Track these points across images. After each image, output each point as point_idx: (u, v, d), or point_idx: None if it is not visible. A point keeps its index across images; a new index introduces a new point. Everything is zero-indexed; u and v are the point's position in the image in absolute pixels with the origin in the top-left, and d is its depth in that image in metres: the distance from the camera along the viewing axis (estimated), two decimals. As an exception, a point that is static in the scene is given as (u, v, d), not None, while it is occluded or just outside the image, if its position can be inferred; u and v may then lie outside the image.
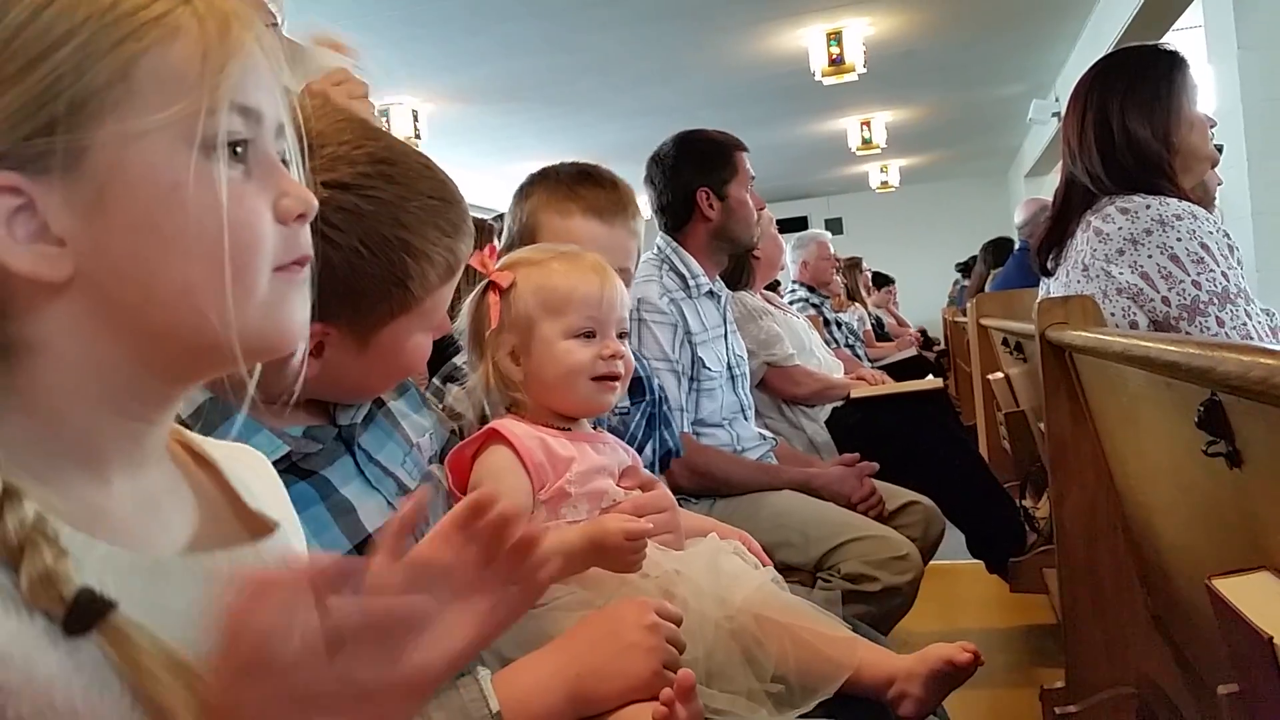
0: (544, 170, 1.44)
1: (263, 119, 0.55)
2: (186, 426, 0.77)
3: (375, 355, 0.90)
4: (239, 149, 0.53)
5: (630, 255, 1.45)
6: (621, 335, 1.13)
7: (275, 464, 0.84)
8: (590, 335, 1.09)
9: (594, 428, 1.15)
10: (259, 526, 0.61)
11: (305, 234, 0.57)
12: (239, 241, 0.53)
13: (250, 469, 0.65)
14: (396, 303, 0.88)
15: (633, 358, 1.14)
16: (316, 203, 0.57)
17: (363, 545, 0.90)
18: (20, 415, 0.51)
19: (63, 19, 0.49)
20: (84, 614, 0.46)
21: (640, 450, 1.52)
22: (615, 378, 1.10)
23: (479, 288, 1.12)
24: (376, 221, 0.86)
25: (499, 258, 1.36)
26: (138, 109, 0.50)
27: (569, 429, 1.10)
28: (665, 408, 1.59)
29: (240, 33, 0.54)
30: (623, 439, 1.49)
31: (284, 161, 0.57)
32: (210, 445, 0.63)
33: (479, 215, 1.95)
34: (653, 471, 1.55)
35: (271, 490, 0.66)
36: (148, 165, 0.51)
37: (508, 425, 1.05)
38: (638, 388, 1.52)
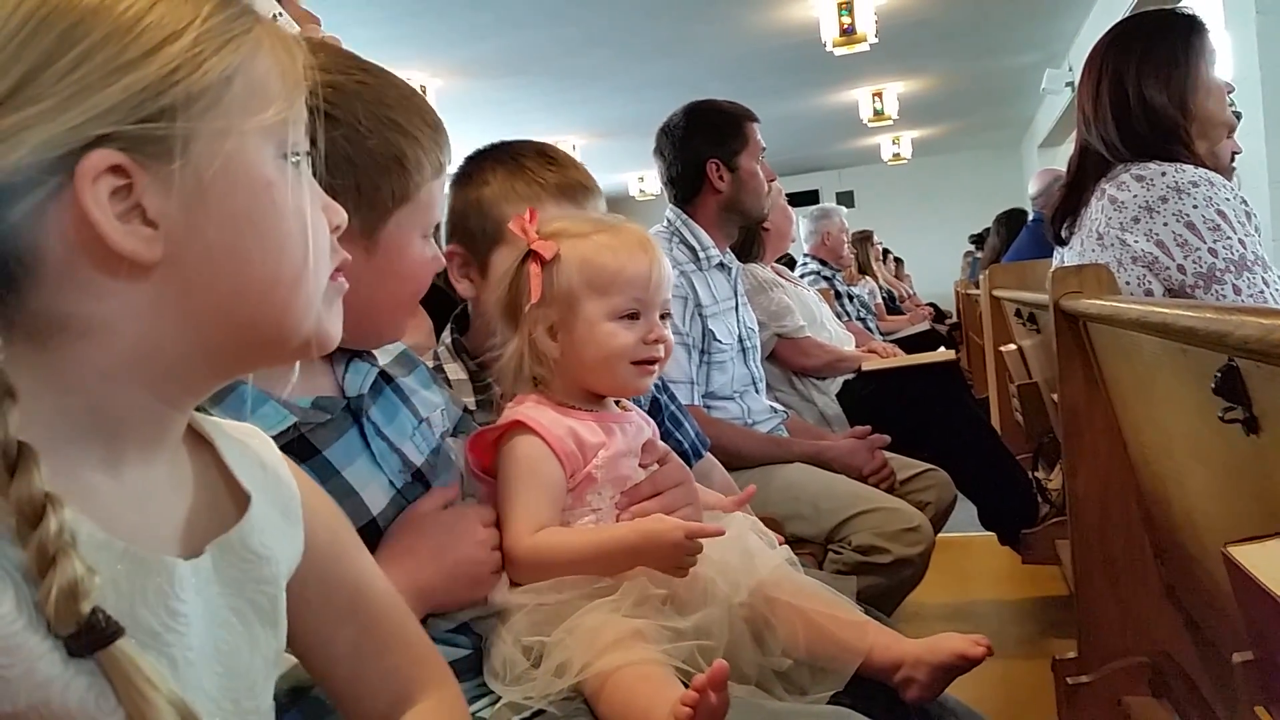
0: (495, 152, 1.30)
1: (308, 136, 0.59)
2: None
3: (383, 260, 0.92)
4: (297, 161, 0.57)
5: None
6: (664, 316, 1.08)
7: (277, 437, 0.83)
8: (634, 317, 1.05)
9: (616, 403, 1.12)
10: (244, 499, 0.61)
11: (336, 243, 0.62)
12: (318, 244, 0.58)
13: (251, 450, 0.65)
14: (397, 185, 0.91)
15: (672, 343, 1.10)
16: (346, 217, 0.63)
17: (368, 528, 0.89)
18: (52, 394, 0.51)
19: (173, 17, 0.52)
20: (90, 637, 0.46)
21: None
22: (655, 361, 1.07)
23: (518, 256, 1.06)
24: (367, 101, 0.90)
25: (449, 254, 1.28)
26: (240, 110, 0.54)
27: (594, 409, 1.07)
28: (675, 407, 1.54)
29: (299, 55, 0.58)
30: None
31: None
32: (210, 423, 0.63)
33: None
34: None
35: (275, 471, 0.66)
36: (249, 163, 0.54)
37: (532, 414, 1.02)
38: None
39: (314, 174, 0.61)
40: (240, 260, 0.54)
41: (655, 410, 1.49)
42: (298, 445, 0.86)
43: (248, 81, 0.54)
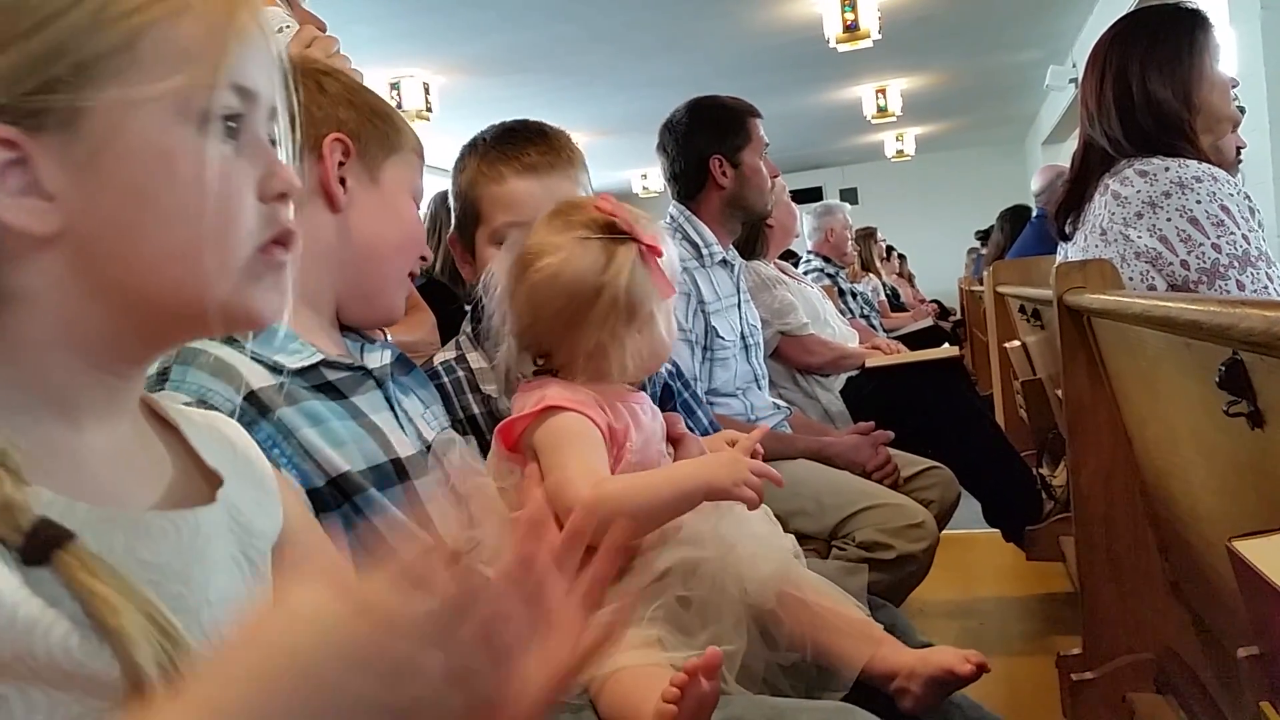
0: (472, 140, 1.39)
1: (258, 99, 0.57)
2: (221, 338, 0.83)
3: (384, 198, 1.02)
4: (232, 126, 0.55)
5: None
6: None
7: (303, 373, 0.89)
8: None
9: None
10: (216, 481, 0.62)
11: (286, 214, 0.59)
12: (220, 216, 0.54)
13: (217, 431, 0.66)
14: (391, 132, 1.03)
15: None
16: (299, 184, 0.60)
17: (395, 464, 0.94)
18: None
19: None
20: (42, 543, 0.47)
21: None
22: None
23: (635, 250, 1.03)
24: (354, 80, 1.06)
25: (450, 241, 1.39)
26: (140, 78, 0.52)
27: (608, 392, 1.06)
28: (689, 394, 1.56)
29: (244, 15, 0.56)
30: None
31: (273, 143, 0.60)
32: (176, 409, 0.64)
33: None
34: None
35: (245, 449, 0.67)
36: (142, 133, 0.52)
37: (563, 396, 1.02)
38: None
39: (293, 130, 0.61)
40: (134, 233, 0.53)
41: (668, 397, 1.50)
42: (327, 389, 0.92)
43: (153, 47, 0.52)
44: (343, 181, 0.99)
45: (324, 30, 1.60)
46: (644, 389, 1.47)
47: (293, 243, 0.59)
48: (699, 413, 1.53)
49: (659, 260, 1.03)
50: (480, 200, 1.31)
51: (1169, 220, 1.64)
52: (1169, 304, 1.01)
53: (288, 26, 1.27)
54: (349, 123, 1.00)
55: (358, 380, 0.97)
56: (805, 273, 4.27)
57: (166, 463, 0.60)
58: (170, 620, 0.49)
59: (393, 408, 1.00)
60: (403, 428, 0.99)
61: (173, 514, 0.55)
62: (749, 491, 0.94)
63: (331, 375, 0.94)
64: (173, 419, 0.63)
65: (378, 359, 1.03)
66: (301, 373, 0.90)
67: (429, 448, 1.02)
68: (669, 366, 1.53)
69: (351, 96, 1.01)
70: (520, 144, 1.32)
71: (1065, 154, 7.76)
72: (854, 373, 2.81)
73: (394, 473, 0.94)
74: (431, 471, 1.00)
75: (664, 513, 0.95)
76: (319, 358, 0.92)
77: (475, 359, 1.28)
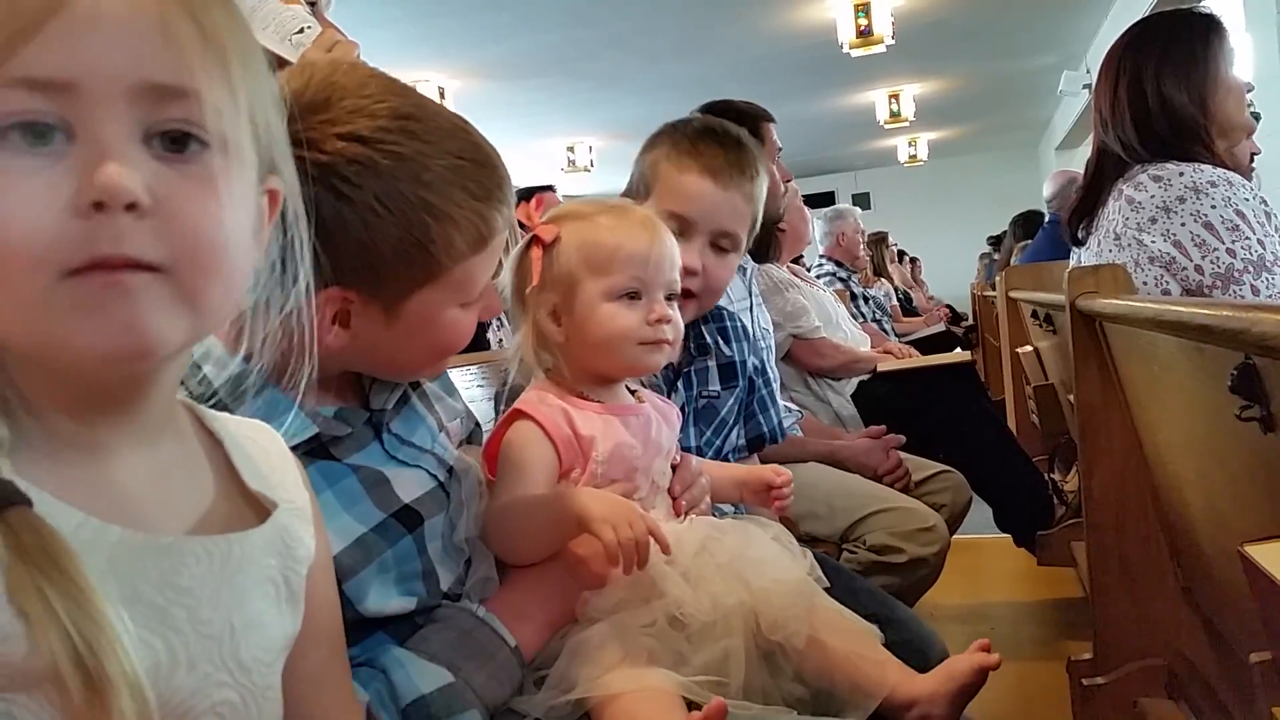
0: (673, 123, 1.45)
1: (83, 91, 0.46)
2: (220, 399, 0.77)
3: (405, 328, 0.85)
4: (36, 131, 0.46)
5: (740, 219, 1.41)
6: (671, 297, 1.06)
7: (303, 445, 0.81)
8: (635, 296, 1.03)
9: (632, 393, 1.11)
10: (259, 508, 0.60)
11: (110, 229, 0.47)
12: (10, 244, 0.45)
13: (260, 447, 0.64)
14: (420, 269, 0.83)
15: (682, 325, 1.08)
16: (127, 187, 0.46)
17: (399, 514, 0.87)
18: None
19: None
20: None
21: (728, 434, 1.52)
22: (662, 342, 1.05)
23: (522, 242, 1.05)
24: (394, 178, 0.80)
25: None
26: None
27: (603, 399, 1.05)
28: (766, 391, 1.58)
29: None
30: (711, 423, 1.48)
31: (190, 135, 0.50)
32: (220, 421, 0.62)
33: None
34: (741, 452, 1.57)
35: (282, 470, 0.65)
36: None
37: (532, 401, 1.02)
38: (729, 373, 1.51)
39: (307, 231, 0.58)
40: None
41: (751, 391, 1.54)
42: (319, 450, 0.85)
43: None
44: (345, 315, 0.84)
45: (342, 34, 1.61)
46: (735, 385, 1.49)
47: (122, 264, 0.47)
48: (771, 411, 1.57)
49: (546, 248, 1.04)
50: (656, 180, 1.37)
51: (1183, 225, 1.64)
52: (1181, 308, 1.00)
53: (308, 28, 1.27)
54: (357, 274, 0.81)
55: (354, 438, 0.87)
56: (818, 276, 4.27)
57: (210, 483, 0.58)
58: (100, 609, 0.44)
59: (391, 455, 0.90)
60: (414, 465, 0.92)
61: (205, 539, 0.55)
62: (610, 533, 0.88)
63: (325, 439, 0.84)
64: (218, 432, 0.61)
65: (384, 398, 0.92)
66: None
67: (451, 471, 0.96)
68: (755, 363, 1.55)
69: (369, 232, 0.80)
70: (714, 145, 1.37)
71: (1079, 159, 7.74)
72: (865, 376, 2.81)
73: (402, 522, 0.87)
74: (453, 499, 0.95)
75: (538, 538, 0.94)
76: (314, 432, 0.82)
77: None
